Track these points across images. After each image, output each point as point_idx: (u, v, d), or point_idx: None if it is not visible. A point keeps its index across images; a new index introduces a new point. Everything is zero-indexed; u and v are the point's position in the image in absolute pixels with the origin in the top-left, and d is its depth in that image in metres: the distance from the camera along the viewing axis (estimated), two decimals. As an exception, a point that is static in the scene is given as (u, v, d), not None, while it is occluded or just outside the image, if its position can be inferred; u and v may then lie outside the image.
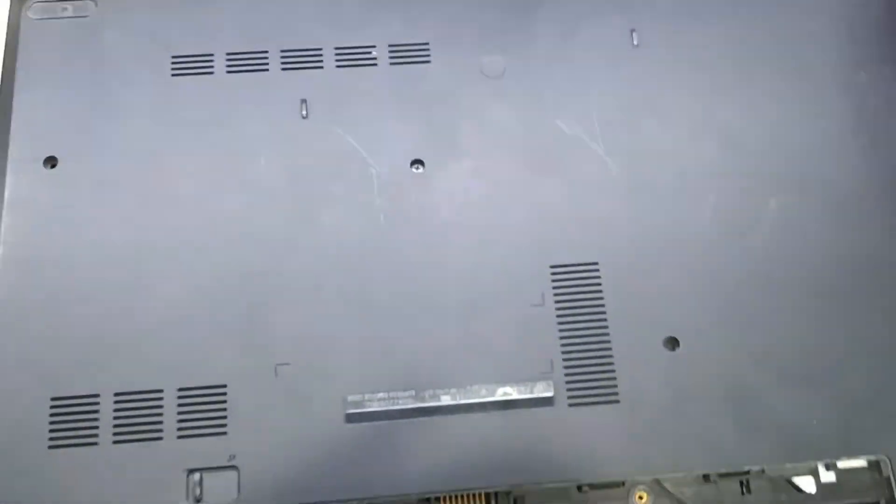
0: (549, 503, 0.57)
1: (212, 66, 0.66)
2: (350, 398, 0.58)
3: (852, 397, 0.58)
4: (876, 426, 0.58)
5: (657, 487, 0.58)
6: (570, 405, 0.58)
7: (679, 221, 0.63)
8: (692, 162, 0.64)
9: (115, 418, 0.57)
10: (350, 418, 0.57)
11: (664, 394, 0.58)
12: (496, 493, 0.57)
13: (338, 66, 0.66)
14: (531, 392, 0.58)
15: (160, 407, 0.57)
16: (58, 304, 0.59)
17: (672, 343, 0.60)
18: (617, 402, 0.58)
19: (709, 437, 0.58)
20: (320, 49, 0.67)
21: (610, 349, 0.59)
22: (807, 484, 0.58)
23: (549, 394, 0.58)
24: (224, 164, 0.63)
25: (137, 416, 0.57)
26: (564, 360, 0.59)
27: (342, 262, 0.61)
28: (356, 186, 0.63)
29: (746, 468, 0.57)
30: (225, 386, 0.58)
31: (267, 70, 0.66)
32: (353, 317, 0.60)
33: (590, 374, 0.59)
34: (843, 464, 0.58)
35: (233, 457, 0.56)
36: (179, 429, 0.57)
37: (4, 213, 0.62)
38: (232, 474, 0.56)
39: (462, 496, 0.57)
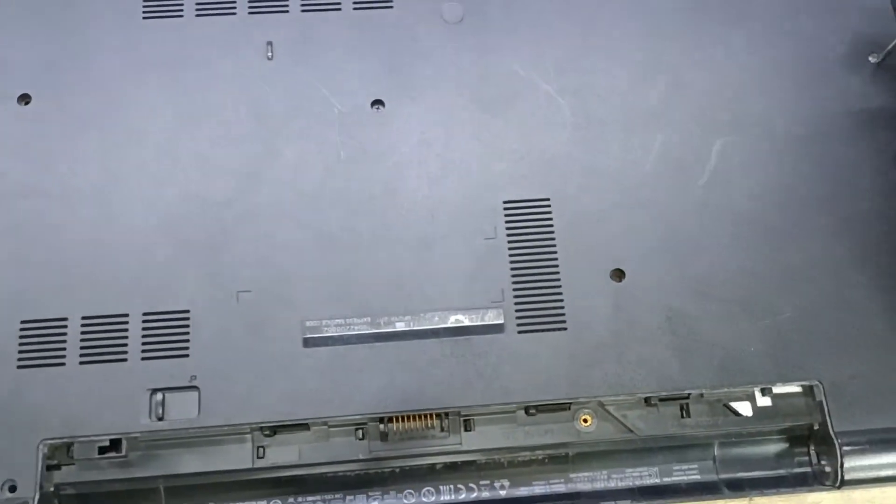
0: (497, 425, 0.60)
1: (181, 10, 0.68)
2: (308, 324, 0.60)
3: (787, 326, 0.61)
4: (809, 353, 0.61)
5: (601, 410, 0.60)
6: (520, 332, 0.61)
7: (627, 159, 0.65)
8: (641, 103, 0.67)
9: (82, 340, 0.59)
10: (308, 343, 0.60)
11: (609, 322, 0.61)
12: (447, 414, 0.59)
13: (303, 10, 0.69)
14: (482, 319, 0.61)
15: (125, 330, 0.60)
16: (29, 233, 0.62)
17: (618, 274, 0.62)
18: (564, 329, 0.61)
19: (651, 363, 0.60)
20: (286, -6, 0.69)
21: (559, 280, 0.62)
22: (744, 408, 0.61)
23: (500, 321, 0.61)
24: (191, 103, 0.66)
25: (103, 338, 0.59)
26: (515, 289, 0.62)
27: (303, 196, 0.63)
28: (318, 125, 0.65)
29: (686, 392, 0.60)
30: (188, 311, 0.60)
31: (234, 13, 0.68)
32: (312, 247, 0.62)
33: (539, 303, 0.61)
34: (778, 389, 0.61)
35: (194, 377, 0.59)
36: (143, 351, 0.59)
37: (-22, 146, 0.64)
38: (193, 394, 0.59)
39: (414, 417, 0.59)
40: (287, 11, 0.68)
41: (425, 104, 0.66)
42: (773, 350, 0.61)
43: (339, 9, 0.69)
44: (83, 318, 0.60)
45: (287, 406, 0.59)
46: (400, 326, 0.60)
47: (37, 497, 0.56)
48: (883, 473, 0.59)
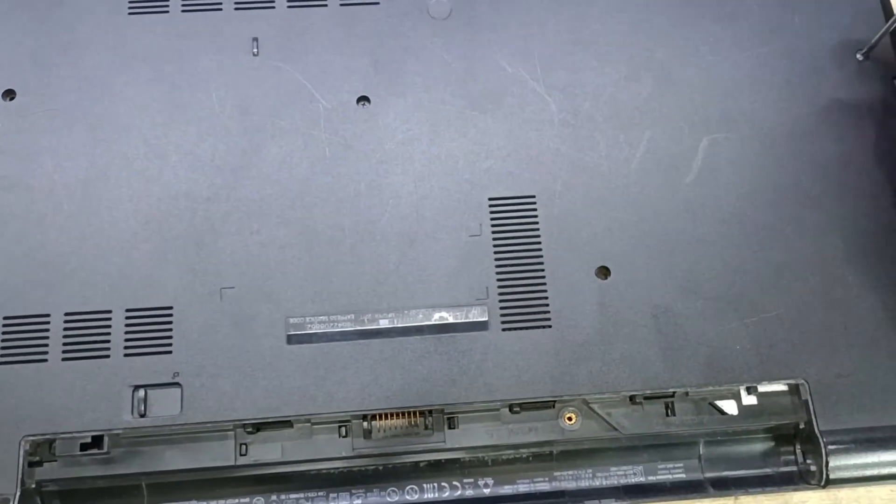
0: (481, 422, 0.60)
1: (167, 5, 0.68)
2: (292, 320, 0.60)
3: (773, 324, 0.61)
4: (795, 352, 0.60)
5: (585, 409, 0.60)
6: (504, 329, 0.61)
7: (614, 157, 0.65)
8: (628, 100, 0.66)
9: (65, 336, 0.59)
10: (291, 339, 0.60)
11: (594, 320, 0.61)
12: (431, 412, 0.59)
13: (289, 7, 0.68)
14: (466, 317, 0.60)
15: (108, 326, 0.60)
16: (13, 228, 0.62)
17: (604, 272, 0.62)
18: (549, 327, 0.61)
19: (636, 361, 0.60)
20: (273, -11, 0.69)
21: (544, 277, 0.62)
22: (729, 406, 0.61)
23: (484, 318, 0.60)
24: (176, 99, 0.65)
25: (86, 334, 0.59)
26: (499, 287, 0.61)
27: (288, 192, 0.63)
28: (303, 121, 0.65)
29: (671, 391, 0.60)
30: (171, 307, 0.60)
31: (220, 9, 0.68)
32: (296, 244, 0.62)
33: (523, 300, 0.61)
34: (763, 387, 0.60)
35: (177, 374, 0.59)
36: (126, 347, 0.59)
37: (-38, 142, 0.64)
38: (175, 391, 0.58)
39: (397, 414, 0.59)
40: (273, 7, 0.68)
41: (411, 101, 0.66)
42: (758, 348, 0.60)
43: (326, 5, 0.68)
44: (66, 314, 0.60)
45: (270, 403, 0.58)
46: (384, 323, 0.60)
47: (18, 493, 0.56)
48: (868, 473, 0.59)
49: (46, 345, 0.59)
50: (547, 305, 0.61)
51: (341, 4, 0.69)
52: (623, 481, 0.60)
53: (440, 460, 0.60)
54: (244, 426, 0.58)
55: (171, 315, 0.60)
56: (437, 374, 0.59)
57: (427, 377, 0.59)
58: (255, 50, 0.67)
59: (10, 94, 0.65)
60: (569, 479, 0.60)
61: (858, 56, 0.68)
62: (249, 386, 0.59)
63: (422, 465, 0.60)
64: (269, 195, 0.63)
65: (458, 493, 0.60)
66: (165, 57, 0.67)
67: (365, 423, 0.59)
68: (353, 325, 0.60)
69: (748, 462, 0.61)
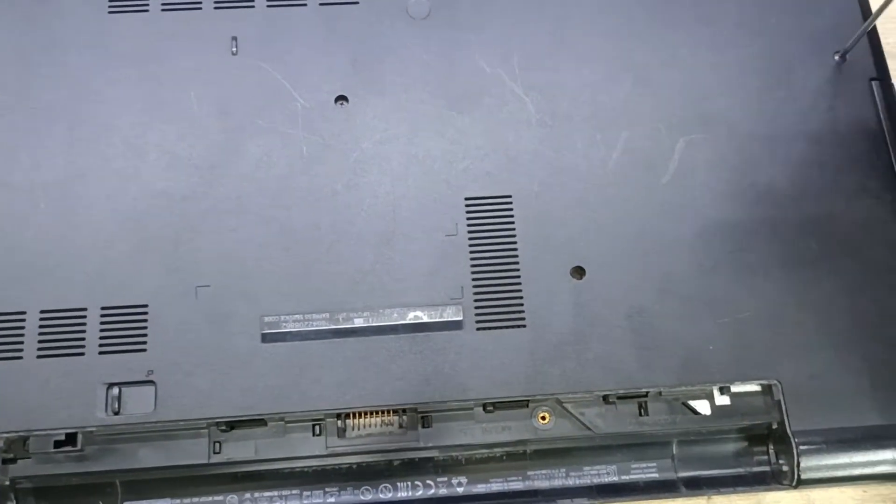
0: (455, 421, 0.60)
1: (147, 4, 0.68)
2: (267, 319, 0.60)
3: (747, 325, 0.61)
4: (769, 352, 0.61)
5: (559, 408, 0.60)
6: (479, 329, 0.61)
7: (591, 157, 0.65)
8: (606, 101, 0.66)
9: (40, 334, 0.59)
10: (266, 338, 0.60)
11: (569, 319, 0.61)
12: (405, 411, 0.59)
13: (269, 6, 0.69)
14: (441, 316, 0.61)
15: (83, 324, 0.60)
16: (-11, 226, 0.62)
17: (579, 272, 0.62)
18: (524, 326, 0.61)
19: (610, 361, 0.60)
20: (252, -12, 0.69)
21: (519, 277, 0.62)
22: (702, 406, 0.61)
23: (459, 318, 0.61)
24: (155, 98, 0.66)
25: (61, 332, 0.59)
26: (475, 286, 0.62)
27: (264, 191, 0.63)
28: (282, 120, 0.65)
29: (645, 391, 0.60)
30: (146, 305, 0.60)
31: (200, 8, 0.68)
32: (273, 242, 0.62)
33: (499, 300, 0.61)
34: (736, 388, 0.61)
35: (151, 372, 0.59)
36: (101, 345, 0.59)
37: (-60, 139, 0.64)
38: (149, 389, 0.59)
39: (371, 413, 0.59)
40: (252, 7, 0.68)
41: (389, 100, 0.66)
42: (732, 349, 0.61)
43: (305, 4, 0.69)
44: (42, 311, 0.60)
45: (244, 401, 0.59)
46: (359, 323, 0.60)
47: (-8, 490, 0.56)
48: (839, 473, 0.59)
49: (22, 342, 0.59)
50: (522, 305, 0.61)
51: (321, 4, 0.69)
52: (596, 481, 0.61)
53: (414, 459, 0.60)
54: (218, 424, 0.58)
55: (146, 313, 0.60)
56: (411, 373, 0.60)
57: (401, 376, 0.59)
58: (235, 49, 0.67)
59: (-11, 91, 0.66)
60: (542, 479, 0.61)
61: (836, 57, 0.68)
62: (224, 384, 0.59)
63: (396, 463, 0.60)
64: (247, 194, 0.63)
65: (432, 491, 0.60)
66: (145, 56, 0.67)
67: (339, 422, 0.59)
68: (329, 323, 0.60)
69: (721, 462, 0.61)
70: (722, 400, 0.61)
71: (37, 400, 0.58)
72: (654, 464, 0.61)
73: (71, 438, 0.57)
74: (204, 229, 0.62)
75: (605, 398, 0.60)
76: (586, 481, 0.61)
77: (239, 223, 0.62)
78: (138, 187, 0.63)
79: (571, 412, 0.60)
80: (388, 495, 0.60)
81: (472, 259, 0.62)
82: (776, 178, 0.65)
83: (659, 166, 0.65)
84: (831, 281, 0.62)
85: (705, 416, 0.61)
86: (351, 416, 0.59)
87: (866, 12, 0.69)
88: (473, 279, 0.62)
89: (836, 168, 0.65)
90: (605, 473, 0.61)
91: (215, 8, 0.68)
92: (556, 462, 0.61)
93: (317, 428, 0.59)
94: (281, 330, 0.60)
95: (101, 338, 0.59)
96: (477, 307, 0.61)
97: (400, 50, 0.68)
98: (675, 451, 0.61)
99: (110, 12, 0.68)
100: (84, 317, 0.60)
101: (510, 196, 0.64)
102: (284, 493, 0.59)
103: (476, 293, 0.61)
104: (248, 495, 0.59)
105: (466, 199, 0.64)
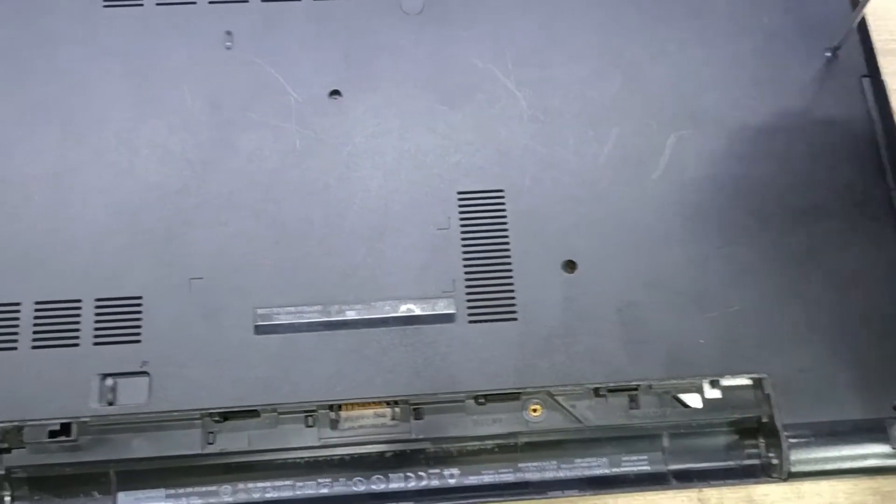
0: (446, 413, 0.60)
1: (142, -1, 0.69)
2: (259, 311, 0.61)
3: (737, 319, 0.61)
4: (759, 346, 0.61)
5: (550, 401, 0.61)
6: (470, 322, 0.61)
7: (582, 152, 0.65)
8: (597, 96, 0.67)
9: (35, 325, 0.60)
10: (259, 330, 0.60)
11: (560, 313, 0.61)
12: (397, 403, 0.60)
13: (263, 1, 0.69)
14: (433, 309, 0.61)
15: (78, 315, 0.60)
16: (-16, 219, 0.62)
17: (570, 266, 0.63)
18: (515, 319, 0.61)
19: (601, 354, 0.61)
20: (247, -17, 0.69)
21: (510, 271, 0.62)
22: (693, 400, 0.61)
23: (451, 311, 0.61)
24: (148, 92, 0.66)
25: (56, 323, 0.60)
26: (467, 280, 0.62)
27: (258, 184, 0.64)
28: (274, 114, 0.66)
29: (635, 384, 0.60)
30: (140, 297, 0.61)
31: (195, 3, 0.69)
32: (265, 235, 0.62)
33: (490, 293, 0.62)
34: (726, 381, 0.61)
35: (145, 363, 0.59)
36: (95, 336, 0.60)
37: (-64, 132, 0.64)
38: (143, 380, 0.59)
39: (364, 405, 0.60)
40: (247, 1, 0.69)
41: (382, 95, 0.67)
42: (722, 343, 0.61)
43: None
44: (36, 303, 0.60)
45: (237, 393, 0.59)
46: (351, 315, 0.61)
47: (-14, 479, 0.56)
48: (829, 467, 0.60)
49: (17, 333, 0.60)
50: (513, 298, 0.62)
51: (315, -1, 0.69)
52: (587, 473, 0.61)
53: (406, 451, 0.60)
54: (211, 415, 0.59)
55: (140, 305, 0.61)
56: (403, 365, 0.60)
57: (393, 369, 0.60)
58: (229, 44, 0.68)
59: (-17, 85, 0.66)
60: (533, 471, 0.61)
61: (827, 54, 0.68)
62: (217, 375, 0.59)
63: (388, 455, 0.61)
64: (240, 188, 0.64)
65: (424, 483, 0.60)
66: (139, 50, 0.67)
67: (331, 414, 0.59)
68: (321, 316, 0.61)
69: (711, 455, 0.62)
70: (712, 393, 0.61)
71: (31, 390, 0.58)
72: (645, 456, 0.61)
73: (65, 429, 0.58)
74: (197, 222, 0.63)
75: (596, 391, 0.61)
76: (577, 473, 0.61)
77: (232, 216, 0.63)
78: (131, 181, 0.64)
79: (562, 405, 0.60)
80: (381, 486, 0.60)
81: (464, 253, 0.63)
82: (766, 173, 0.65)
83: (650, 162, 0.65)
84: (820, 275, 0.63)
85: (695, 409, 0.61)
86: (343, 407, 0.60)
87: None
88: (465, 273, 0.62)
89: (827, 164, 0.66)
90: (595, 466, 0.61)
91: (210, 2, 0.69)
92: (547, 454, 0.61)
93: (309, 419, 0.60)
94: (274, 322, 0.60)
95: (96, 329, 0.60)
96: (469, 300, 0.62)
97: (393, 45, 0.68)
98: (665, 444, 0.62)
99: (105, 6, 0.69)
100: (79, 308, 0.60)
101: (502, 190, 0.64)
102: (277, 483, 0.60)
103: (468, 286, 0.62)
104: (241, 486, 0.60)
105: (459, 193, 0.64)
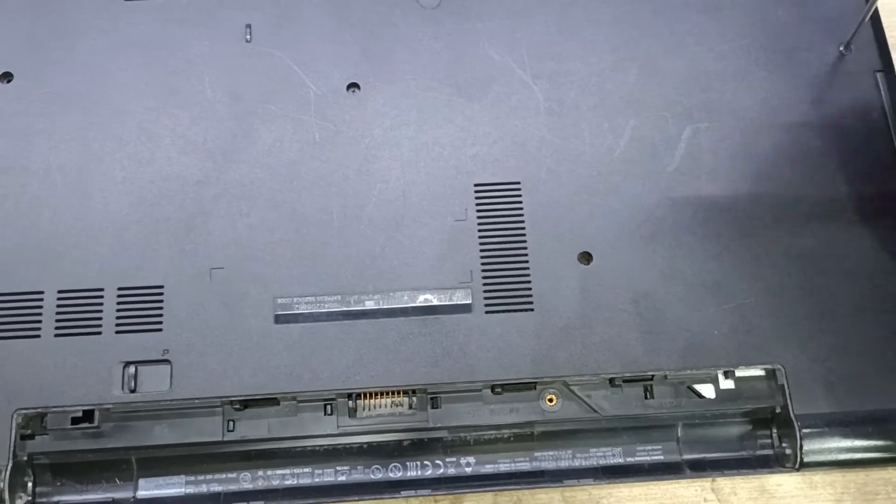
0: (463, 402, 0.61)
1: (163, -9, 0.70)
2: (279, 300, 0.61)
3: (751, 310, 0.62)
4: (773, 337, 0.62)
5: (566, 390, 0.61)
6: (487, 312, 0.62)
7: (598, 145, 0.66)
8: (613, 88, 0.67)
9: (58, 313, 0.61)
10: (279, 319, 0.61)
11: (576, 304, 0.62)
12: (414, 392, 0.61)
13: (282, -6, 0.70)
14: (450, 299, 0.62)
15: (100, 304, 0.61)
16: (8, 207, 0.63)
17: (586, 258, 0.63)
18: (531, 310, 0.62)
19: (616, 344, 0.61)
20: (266, -24, 0.70)
21: (527, 262, 0.63)
22: (707, 390, 0.62)
23: (468, 301, 0.62)
24: (169, 83, 0.67)
25: (79, 311, 0.61)
26: (483, 271, 0.63)
27: (277, 175, 0.64)
28: (294, 106, 0.66)
29: (650, 374, 0.61)
30: (162, 287, 0.61)
31: (215, -4, 0.70)
32: (285, 226, 0.63)
33: (507, 284, 0.62)
34: (741, 372, 0.62)
35: (166, 351, 0.60)
36: (118, 324, 0.61)
37: (-40, 123, 0.65)
38: (165, 368, 0.60)
39: (382, 393, 0.60)
40: (267, -6, 0.70)
41: (400, 87, 0.67)
42: (736, 334, 0.62)
43: (318, -8, 0.70)
44: (59, 291, 0.61)
45: (257, 381, 0.60)
46: (370, 305, 0.61)
47: (10, 465, 0.57)
48: (841, 457, 0.60)
49: (40, 321, 0.60)
50: (530, 289, 0.62)
51: (333, -7, 0.70)
52: (602, 462, 0.62)
53: (423, 439, 0.61)
54: (232, 403, 0.60)
55: (161, 294, 0.61)
56: (421, 354, 0.61)
57: (411, 358, 0.61)
58: (248, 36, 0.68)
59: (7, 76, 0.67)
60: (549, 460, 0.62)
61: (840, 48, 0.69)
62: (237, 364, 0.60)
63: (405, 443, 0.61)
64: (259, 179, 0.64)
65: (441, 471, 0.61)
66: (160, 42, 0.68)
67: (350, 402, 0.60)
68: (340, 305, 0.61)
69: (725, 445, 0.62)
70: (726, 384, 0.62)
71: (54, 378, 0.59)
72: (660, 446, 0.62)
73: (88, 415, 0.59)
74: (217, 213, 0.63)
75: (612, 381, 0.61)
76: (592, 463, 0.62)
77: (252, 207, 0.64)
78: (153, 171, 0.64)
79: (578, 395, 0.61)
80: (398, 474, 0.61)
81: (481, 244, 0.63)
82: (781, 166, 0.66)
83: (665, 154, 0.66)
84: (835, 267, 0.63)
85: (710, 399, 0.62)
86: (362, 396, 0.60)
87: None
88: (482, 263, 0.63)
89: (840, 157, 0.66)
90: (610, 455, 0.62)
91: (229, -5, 0.70)
92: (562, 443, 0.62)
93: (328, 408, 0.60)
94: (293, 311, 0.61)
95: (118, 317, 0.61)
96: (485, 291, 0.62)
97: (410, 38, 0.69)
98: (679, 434, 0.62)
99: (127, -1, 0.69)
100: (101, 297, 0.61)
101: (519, 182, 0.65)
102: (296, 471, 0.61)
103: (485, 277, 0.63)
104: (260, 473, 0.61)
105: (476, 185, 0.65)
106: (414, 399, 0.61)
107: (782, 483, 0.64)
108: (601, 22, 0.69)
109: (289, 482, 0.60)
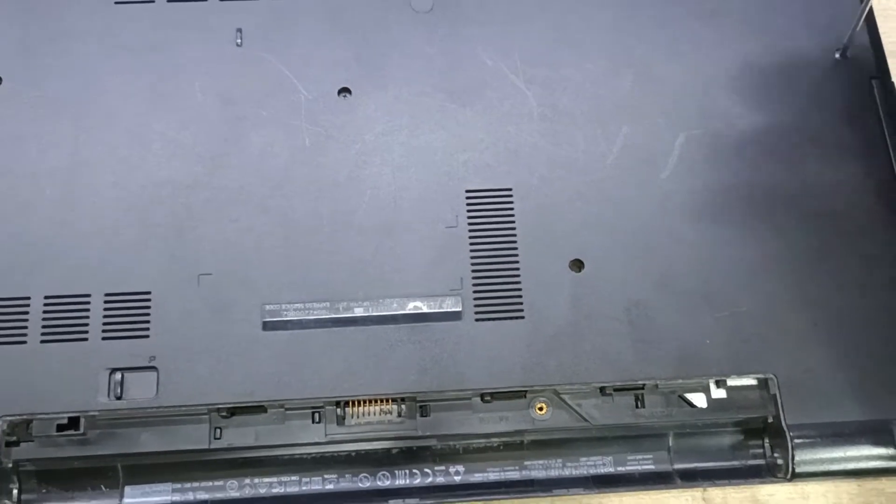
0: (453, 411, 0.61)
1: (153, -5, 0.69)
2: (268, 307, 0.61)
3: (744, 319, 0.62)
4: (765, 347, 0.61)
5: (556, 399, 0.61)
6: (477, 320, 0.61)
7: (591, 151, 0.66)
8: (607, 95, 0.67)
9: (44, 319, 0.60)
10: (267, 326, 0.60)
11: (567, 312, 0.61)
12: (403, 400, 0.60)
13: (273, -2, 0.69)
14: (440, 306, 0.61)
15: (87, 310, 0.60)
16: (-4, 212, 0.63)
17: (578, 265, 0.63)
18: (522, 318, 0.61)
19: (607, 353, 0.61)
20: (258, -19, 0.70)
21: (518, 269, 0.63)
22: (698, 399, 0.61)
23: (458, 308, 0.61)
24: (160, 88, 0.66)
25: (65, 317, 0.60)
26: (474, 278, 0.62)
27: (268, 181, 0.64)
28: (285, 111, 0.66)
29: (641, 383, 0.60)
30: (149, 293, 0.61)
31: (206, 0, 0.69)
32: (275, 232, 0.63)
33: (497, 291, 0.62)
34: (733, 381, 0.61)
35: (153, 358, 0.59)
36: (104, 330, 0.60)
37: (-52, 126, 0.65)
38: (152, 375, 0.59)
39: (370, 401, 0.60)
40: (258, -2, 0.69)
41: (392, 92, 0.67)
42: (729, 343, 0.61)
43: (310, -4, 0.69)
44: (46, 297, 0.61)
45: (245, 388, 0.59)
46: (359, 312, 0.61)
47: (-5, 472, 0.57)
48: (834, 467, 0.60)
49: (26, 327, 0.60)
50: (520, 297, 0.62)
51: (325, -3, 0.69)
52: (592, 471, 0.61)
53: (412, 447, 0.61)
54: (219, 410, 0.59)
55: (149, 300, 0.61)
56: (410, 362, 0.60)
57: (400, 366, 0.60)
58: (239, 41, 0.68)
59: (-4, 80, 0.66)
60: (539, 469, 0.61)
61: (836, 55, 0.68)
62: (225, 371, 0.59)
63: (394, 451, 0.61)
64: (249, 184, 0.64)
65: (430, 479, 0.61)
66: (150, 46, 0.68)
67: (338, 410, 0.60)
68: (329, 312, 0.61)
69: (717, 454, 0.62)
70: (718, 393, 0.61)
71: (40, 384, 0.59)
72: (651, 455, 0.62)
73: (74, 422, 0.58)
74: (207, 218, 0.63)
75: (602, 390, 0.61)
76: (583, 472, 0.61)
77: (241, 212, 0.63)
78: (142, 176, 0.64)
79: (568, 403, 0.61)
80: (387, 483, 0.60)
81: (472, 251, 0.63)
82: (775, 174, 0.65)
83: (659, 161, 0.65)
84: (828, 277, 0.63)
85: (701, 408, 0.61)
86: (350, 404, 0.60)
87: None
88: (473, 270, 0.62)
89: (835, 165, 0.66)
90: (601, 464, 0.61)
91: (220, 0, 0.69)
92: (552, 452, 0.61)
93: (316, 415, 0.60)
94: (282, 318, 0.61)
95: (105, 324, 0.60)
96: (476, 298, 0.62)
97: (403, 43, 0.68)
98: (671, 444, 0.62)
99: (116, 2, 0.69)
100: (88, 303, 0.61)
101: (511, 189, 0.64)
102: (284, 479, 0.60)
103: (475, 284, 0.62)
104: (247, 481, 0.60)
105: (467, 191, 0.64)
106: (403, 407, 0.60)
107: (774, 493, 0.63)
108: (595, 28, 0.69)
109: (276, 490, 0.60)
